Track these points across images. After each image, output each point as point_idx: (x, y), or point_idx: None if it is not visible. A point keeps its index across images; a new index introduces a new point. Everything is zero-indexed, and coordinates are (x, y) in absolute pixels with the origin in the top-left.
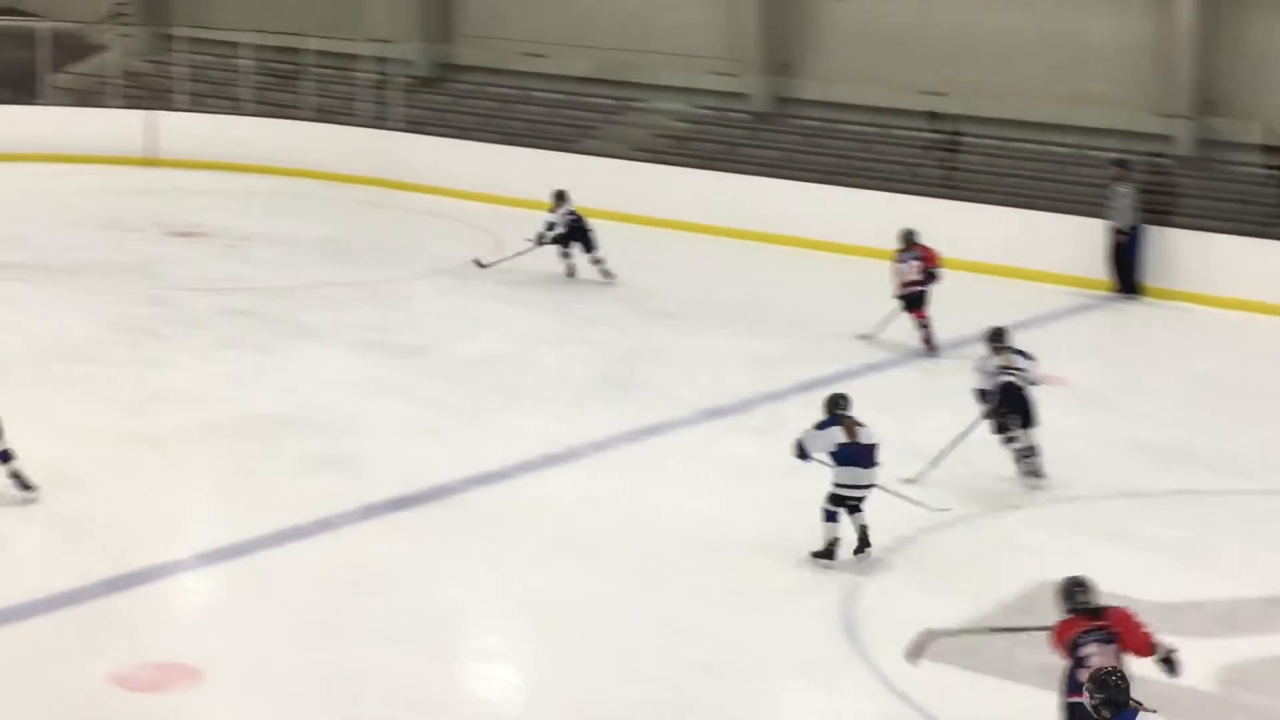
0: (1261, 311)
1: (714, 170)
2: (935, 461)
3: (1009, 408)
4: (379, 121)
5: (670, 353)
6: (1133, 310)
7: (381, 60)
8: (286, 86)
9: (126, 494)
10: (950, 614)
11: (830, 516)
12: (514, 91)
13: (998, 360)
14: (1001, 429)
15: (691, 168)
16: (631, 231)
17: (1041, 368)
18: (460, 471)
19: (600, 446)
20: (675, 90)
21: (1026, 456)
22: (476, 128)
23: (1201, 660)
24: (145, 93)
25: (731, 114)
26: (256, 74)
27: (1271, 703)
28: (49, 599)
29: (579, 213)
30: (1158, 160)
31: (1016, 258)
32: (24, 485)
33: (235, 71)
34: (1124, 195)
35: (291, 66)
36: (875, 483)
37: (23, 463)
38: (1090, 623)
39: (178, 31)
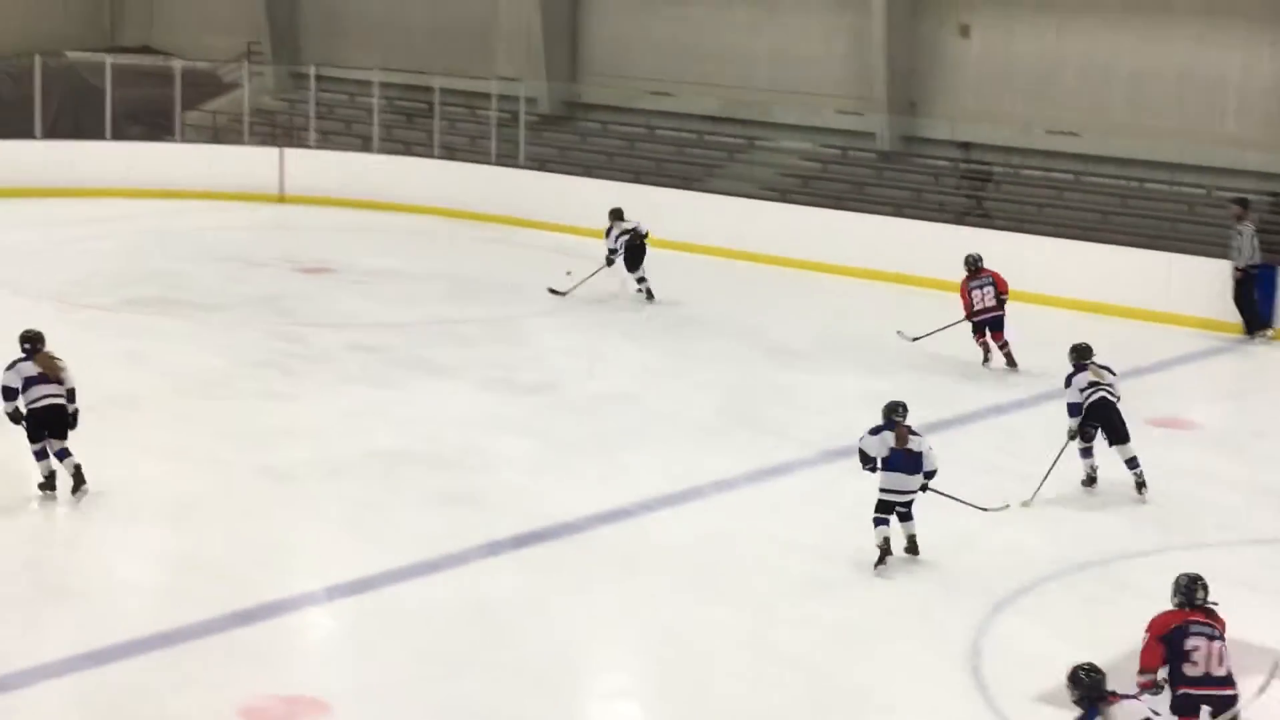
0: None
1: (839, 209)
2: (1041, 483)
3: (1099, 422)
4: (505, 159)
5: (792, 391)
6: (1263, 352)
7: (508, 98)
8: (414, 124)
9: (253, 527)
10: (1074, 657)
11: (880, 522)
12: (640, 130)
13: (1088, 376)
14: (1085, 438)
15: (817, 207)
16: (756, 270)
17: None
18: (583, 508)
19: (722, 485)
20: (801, 129)
21: (1132, 468)
22: (602, 165)
23: None
24: (276, 130)
25: (857, 153)
26: (385, 112)
27: None
28: (176, 631)
29: (636, 230)
30: None
31: (1146, 299)
32: (80, 481)
33: (364, 109)
34: (1245, 234)
35: (420, 105)
36: (917, 489)
37: (148, 492)
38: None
39: (309, 70)
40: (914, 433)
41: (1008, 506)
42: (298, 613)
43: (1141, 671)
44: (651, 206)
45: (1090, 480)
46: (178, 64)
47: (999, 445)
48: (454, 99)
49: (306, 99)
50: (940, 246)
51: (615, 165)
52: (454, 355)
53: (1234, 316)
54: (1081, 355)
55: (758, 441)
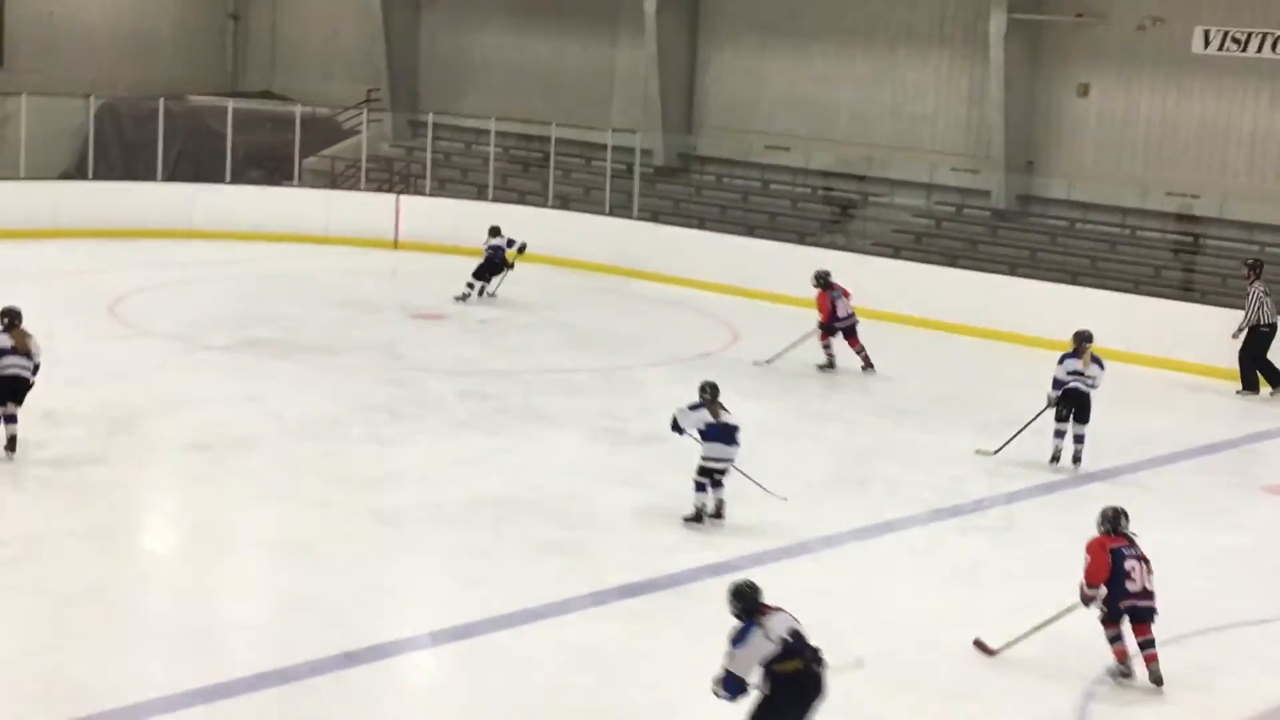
0: None
1: (954, 267)
2: (1010, 440)
3: (1073, 405)
4: (619, 210)
5: (904, 449)
6: None
7: (623, 150)
8: (529, 174)
9: (360, 569)
10: None
11: (699, 487)
12: (754, 184)
13: (1077, 363)
14: (1059, 417)
15: (931, 264)
16: (869, 327)
17: (1105, 376)
18: (691, 561)
19: (831, 541)
20: (917, 185)
21: (1077, 443)
22: (716, 219)
23: None
24: (393, 177)
25: (973, 210)
26: (500, 160)
27: None
28: (283, 670)
29: (503, 247)
30: None
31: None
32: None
33: (480, 158)
34: (1253, 294)
35: (535, 154)
36: (735, 459)
37: (259, 537)
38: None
39: (426, 117)
40: (723, 408)
41: (786, 499)
42: (403, 656)
43: (1090, 585)
44: (765, 260)
45: (1055, 459)
46: (298, 109)
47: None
48: (569, 149)
49: (423, 146)
50: (1053, 306)
51: (728, 219)
52: (565, 404)
53: None
54: (1079, 339)
55: (868, 498)
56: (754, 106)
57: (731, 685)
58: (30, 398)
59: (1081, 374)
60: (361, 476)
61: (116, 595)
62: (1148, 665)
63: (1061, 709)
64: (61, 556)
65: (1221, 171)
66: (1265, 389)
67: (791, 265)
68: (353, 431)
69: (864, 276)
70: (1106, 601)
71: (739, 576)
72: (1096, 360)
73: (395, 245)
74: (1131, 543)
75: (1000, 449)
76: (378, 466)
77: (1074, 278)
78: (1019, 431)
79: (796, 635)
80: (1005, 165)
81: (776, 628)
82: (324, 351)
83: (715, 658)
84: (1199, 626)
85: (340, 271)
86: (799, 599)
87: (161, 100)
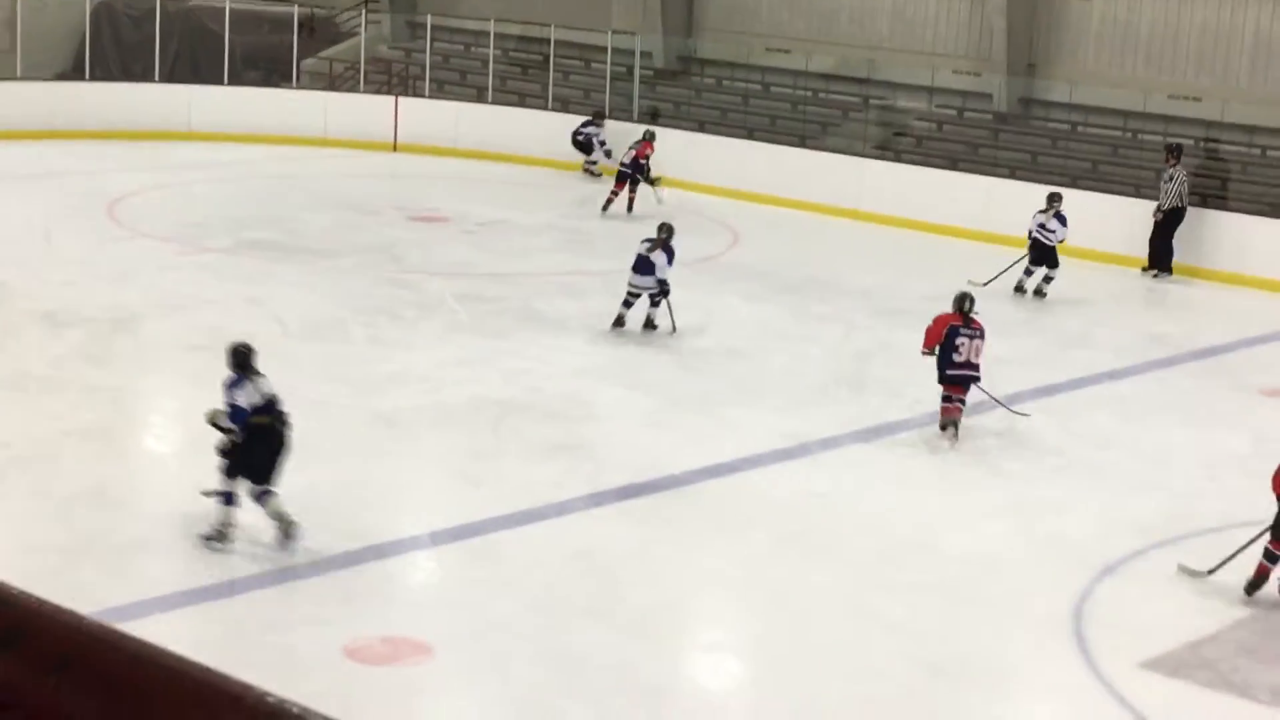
0: None
1: (954, 171)
2: (1000, 275)
3: (1037, 255)
4: (619, 113)
5: (902, 352)
6: None
7: (623, 52)
8: (529, 76)
9: (361, 471)
10: (1185, 627)
11: (626, 305)
12: (754, 86)
13: (1041, 219)
14: (1030, 262)
15: (931, 167)
16: (869, 230)
17: (1067, 232)
18: (691, 462)
19: (829, 444)
20: (918, 88)
21: (1045, 282)
22: (716, 121)
23: None
24: (391, 79)
25: (974, 114)
26: (500, 63)
27: None
28: (285, 570)
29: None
30: None
31: (1267, 268)
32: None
33: (479, 60)
34: (1175, 179)
35: (534, 56)
36: (653, 286)
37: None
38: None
39: (425, 19)
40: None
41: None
42: (404, 557)
43: (926, 346)
44: (765, 163)
45: (1018, 289)
46: (296, 10)
47: (1119, 413)
48: (569, 51)
49: (422, 48)
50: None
51: (729, 121)
52: (565, 307)
53: None
54: (1049, 198)
55: (867, 401)
56: (754, 9)
57: (238, 416)
58: (30, 299)
59: (1044, 227)
60: (362, 378)
61: (117, 496)
62: (944, 415)
63: (1059, 610)
64: (62, 457)
65: (1224, 75)
66: (1147, 270)
67: (792, 168)
68: (353, 333)
69: (864, 179)
70: (939, 367)
71: (740, 477)
72: (1059, 216)
73: (394, 148)
74: (970, 324)
75: (989, 282)
76: (378, 368)
77: (1074, 181)
78: (1007, 268)
79: (273, 399)
80: (1007, 68)
81: (262, 387)
82: (324, 254)
83: (714, 558)
84: (1197, 528)
85: (339, 174)
86: (799, 500)
87: (158, 1)
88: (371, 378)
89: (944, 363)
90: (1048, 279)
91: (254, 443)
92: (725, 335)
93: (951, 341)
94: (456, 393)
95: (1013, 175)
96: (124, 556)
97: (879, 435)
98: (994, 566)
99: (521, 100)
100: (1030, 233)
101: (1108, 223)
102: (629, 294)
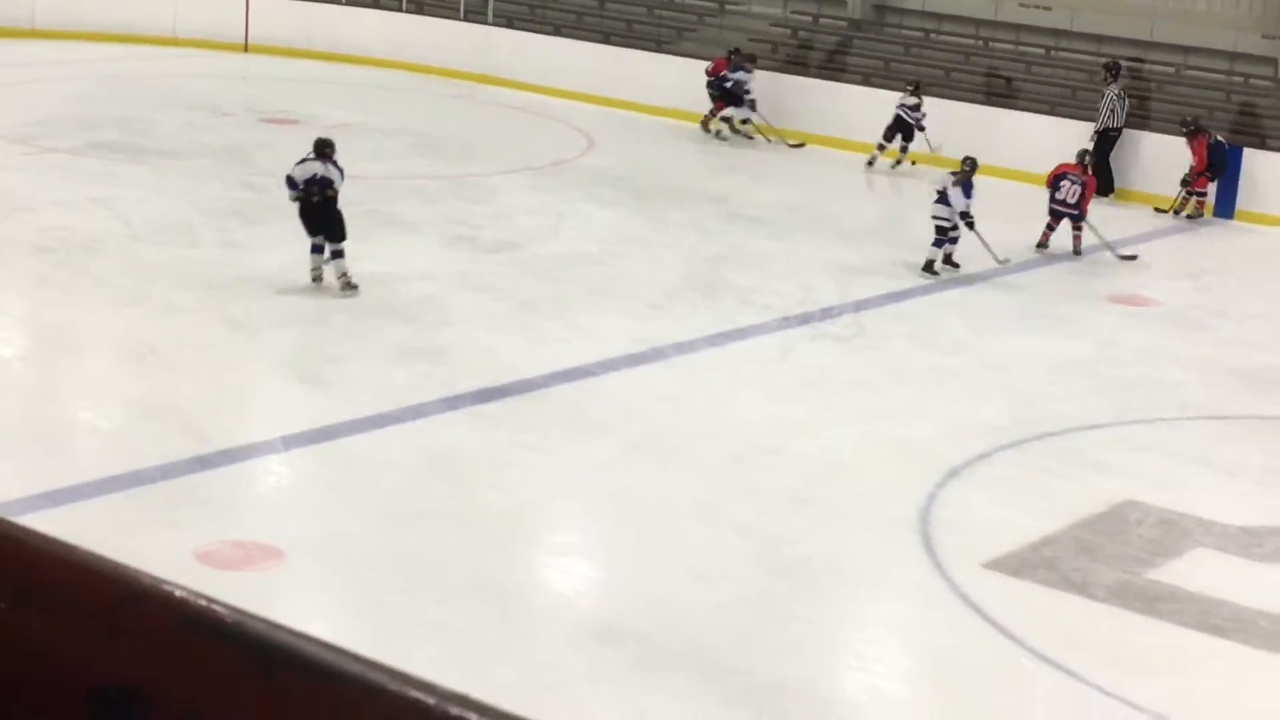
0: None
1: (810, 78)
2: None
3: (898, 131)
4: (473, 14)
5: (757, 258)
6: (1228, 233)
7: None
8: None
9: (212, 375)
10: (1027, 528)
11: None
12: None
13: (907, 102)
14: (885, 137)
15: (786, 74)
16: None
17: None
18: (544, 367)
19: (683, 348)
20: None
21: (903, 153)
22: (571, 25)
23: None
24: None
25: (829, 20)
26: None
27: None
28: (135, 474)
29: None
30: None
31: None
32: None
33: None
34: (1108, 97)
35: None
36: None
37: (109, 341)
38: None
39: None
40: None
41: (1008, 261)
42: (255, 460)
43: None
44: (620, 68)
45: (870, 163)
46: None
47: (971, 325)
48: None
49: None
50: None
51: (584, 25)
52: (417, 211)
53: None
54: (914, 89)
55: (720, 306)
56: None
57: (289, 185)
58: None
59: (907, 107)
60: (212, 280)
61: None
62: (1041, 237)
63: (906, 513)
64: None
65: None
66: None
67: (648, 73)
68: (203, 236)
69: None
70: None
71: (593, 381)
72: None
73: (245, 49)
74: (1077, 172)
75: (872, 161)
76: (228, 271)
77: (929, 89)
78: (879, 147)
79: (311, 179)
80: None
81: (310, 169)
82: (173, 155)
83: (567, 461)
84: (1040, 431)
85: (189, 74)
86: (652, 404)
87: None
88: (221, 280)
89: (1050, 197)
90: (907, 152)
91: (302, 207)
92: (577, 240)
93: (1058, 183)
94: (308, 297)
95: (866, 82)
96: None
97: (731, 340)
98: (842, 470)
99: (375, 1)
100: (896, 112)
101: (965, 128)
102: (935, 229)
